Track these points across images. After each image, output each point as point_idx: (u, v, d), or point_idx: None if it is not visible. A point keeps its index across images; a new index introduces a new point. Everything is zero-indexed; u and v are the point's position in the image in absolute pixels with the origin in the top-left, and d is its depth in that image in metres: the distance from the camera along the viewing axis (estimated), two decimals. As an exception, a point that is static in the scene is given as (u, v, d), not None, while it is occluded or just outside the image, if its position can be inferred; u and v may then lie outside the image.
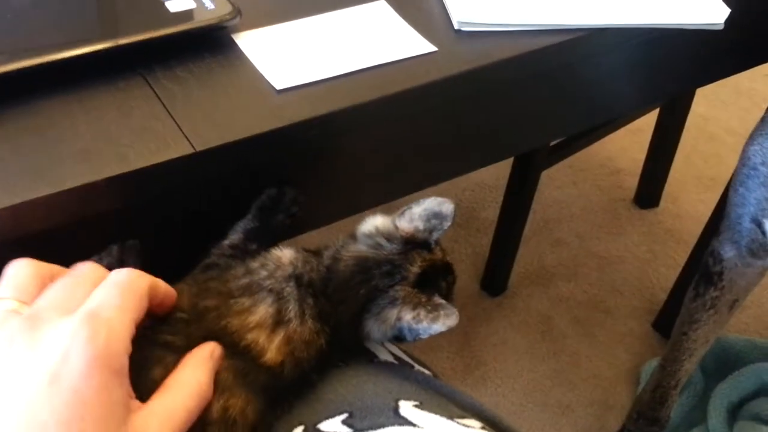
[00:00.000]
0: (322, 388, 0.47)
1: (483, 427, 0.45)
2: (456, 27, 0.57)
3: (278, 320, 0.44)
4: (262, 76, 0.50)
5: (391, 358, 0.52)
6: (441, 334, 0.45)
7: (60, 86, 0.47)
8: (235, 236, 0.49)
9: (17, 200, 0.40)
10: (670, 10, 0.61)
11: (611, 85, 0.69)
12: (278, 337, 0.43)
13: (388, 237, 0.48)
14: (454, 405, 0.48)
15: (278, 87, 0.49)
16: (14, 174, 0.42)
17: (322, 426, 0.44)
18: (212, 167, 0.46)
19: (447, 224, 0.49)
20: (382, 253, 0.47)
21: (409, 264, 0.47)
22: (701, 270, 0.96)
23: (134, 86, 0.48)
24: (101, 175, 0.42)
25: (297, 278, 0.46)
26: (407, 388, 0.47)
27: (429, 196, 0.50)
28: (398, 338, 0.47)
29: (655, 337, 1.42)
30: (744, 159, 0.81)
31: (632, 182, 1.69)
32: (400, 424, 0.43)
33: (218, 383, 0.40)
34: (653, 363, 1.18)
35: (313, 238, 0.56)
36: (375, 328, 0.46)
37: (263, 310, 0.44)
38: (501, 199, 1.38)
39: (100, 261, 0.44)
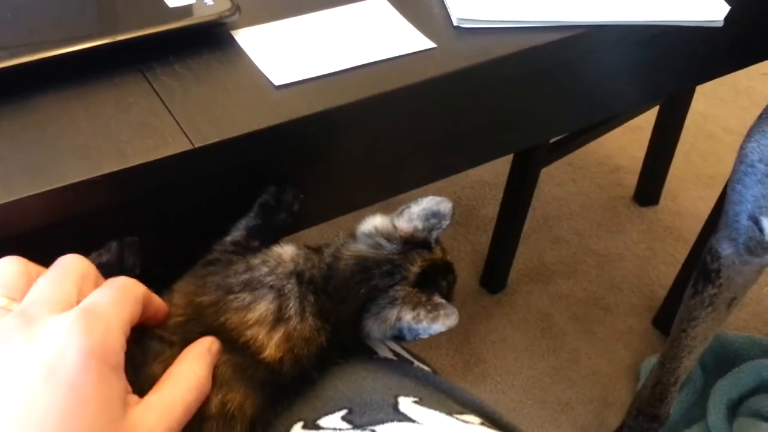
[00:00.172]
0: (321, 385, 0.47)
1: (482, 423, 0.45)
2: (455, 23, 0.56)
3: (278, 317, 0.44)
4: (261, 73, 0.50)
5: (390, 355, 0.52)
6: (441, 332, 0.45)
7: (59, 82, 0.47)
8: (237, 233, 0.49)
9: (16, 196, 0.40)
10: (670, 7, 0.61)
11: (610, 83, 0.69)
12: (278, 334, 0.43)
13: (388, 237, 0.48)
14: (453, 401, 0.48)
15: (277, 83, 0.49)
16: (13, 170, 0.42)
17: (321, 422, 0.44)
18: (210, 163, 0.46)
19: (446, 223, 0.49)
20: (381, 252, 0.47)
21: (409, 264, 0.47)
22: (699, 267, 0.96)
23: (133, 82, 0.48)
24: (100, 171, 0.42)
25: (298, 275, 0.46)
26: (407, 385, 0.47)
27: (428, 194, 0.50)
28: (398, 338, 0.47)
29: (654, 335, 1.42)
30: (741, 156, 0.81)
31: (632, 180, 1.69)
32: (400, 420, 0.43)
33: (216, 378, 0.40)
34: (653, 360, 1.18)
35: (312, 234, 0.56)
36: (375, 328, 0.46)
37: (264, 307, 0.44)
38: (500, 196, 1.38)
39: (99, 258, 0.44)
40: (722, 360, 1.27)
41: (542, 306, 1.47)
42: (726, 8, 0.61)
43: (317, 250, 0.49)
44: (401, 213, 0.49)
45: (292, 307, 0.44)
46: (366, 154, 0.57)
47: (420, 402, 0.45)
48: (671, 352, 1.06)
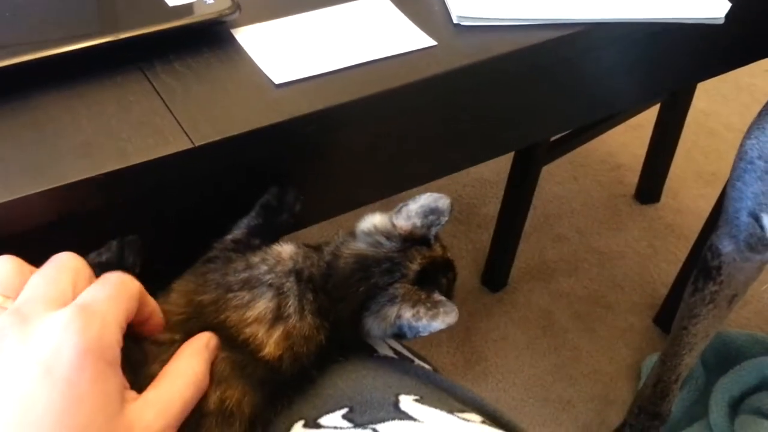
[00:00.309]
0: (321, 383, 0.47)
1: (483, 422, 0.45)
2: (455, 21, 0.56)
3: (277, 315, 0.44)
4: (261, 71, 0.50)
5: (390, 353, 0.52)
6: (441, 330, 0.45)
7: (60, 81, 0.47)
8: (238, 231, 0.49)
9: (17, 195, 0.40)
10: (671, 5, 0.61)
11: (611, 80, 0.69)
12: (277, 332, 0.43)
13: (387, 235, 0.48)
14: (454, 399, 0.48)
15: (277, 81, 0.49)
16: (14, 169, 0.42)
17: (322, 421, 0.44)
18: (211, 162, 0.46)
19: (444, 219, 0.49)
20: (381, 251, 0.47)
21: (409, 261, 0.47)
22: (700, 265, 0.96)
23: (133, 81, 0.48)
24: (101, 169, 0.42)
25: (297, 273, 0.46)
26: (407, 383, 0.47)
27: (428, 191, 0.50)
28: (398, 335, 0.47)
29: (655, 332, 1.42)
30: (741, 153, 0.81)
31: (633, 178, 1.69)
32: (401, 419, 0.43)
33: (215, 374, 0.40)
34: (654, 358, 1.18)
35: (312, 233, 0.56)
36: (375, 326, 0.46)
37: (263, 305, 0.44)
38: (501, 194, 1.38)
39: (99, 256, 0.44)
40: (724, 358, 1.27)
41: (543, 304, 1.47)
42: (727, 5, 0.61)
43: (317, 248, 0.49)
44: (399, 211, 0.49)
45: (291, 305, 0.44)
46: (366, 152, 0.57)
47: (421, 400, 0.45)
48: (672, 350, 1.06)
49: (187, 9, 0.52)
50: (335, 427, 0.43)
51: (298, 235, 0.52)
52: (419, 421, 0.43)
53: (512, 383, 1.34)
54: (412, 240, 0.48)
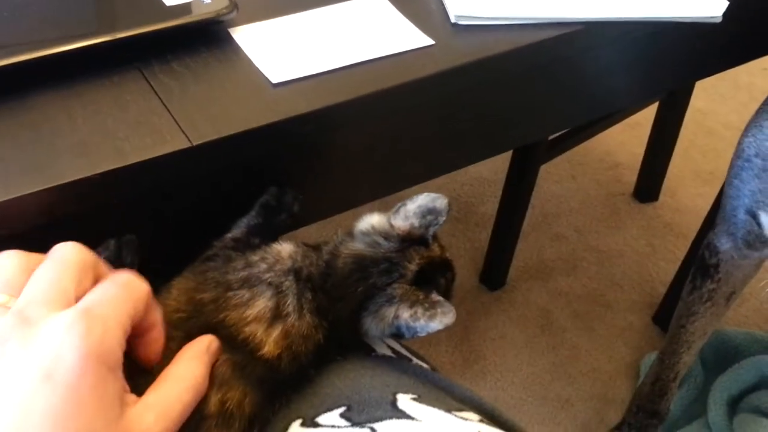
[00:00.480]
0: (319, 382, 0.47)
1: (481, 420, 0.45)
2: (453, 20, 0.56)
3: (276, 314, 0.44)
4: (259, 70, 0.50)
5: (388, 352, 0.52)
6: (439, 330, 0.45)
7: (57, 81, 0.47)
8: (238, 230, 0.49)
9: (14, 194, 0.40)
10: (669, 3, 0.61)
11: (609, 79, 0.69)
12: (276, 331, 0.43)
13: (385, 235, 0.48)
14: (452, 398, 0.48)
15: (274, 81, 0.49)
16: (11, 168, 0.42)
17: (320, 419, 0.44)
18: (208, 161, 0.46)
19: (442, 219, 0.49)
20: (379, 251, 0.47)
21: (407, 261, 0.47)
22: (698, 262, 0.96)
23: (131, 80, 0.48)
24: (98, 169, 0.42)
25: (296, 272, 0.46)
26: (405, 382, 0.47)
27: (427, 191, 0.50)
28: (396, 335, 0.47)
29: (654, 331, 1.42)
30: (738, 151, 0.81)
31: (631, 176, 1.69)
32: (398, 417, 0.43)
33: (216, 377, 0.40)
34: (652, 356, 1.18)
35: (310, 232, 0.56)
36: (373, 326, 0.46)
37: (262, 304, 0.44)
38: (500, 193, 1.38)
39: (96, 255, 0.44)
40: (722, 356, 1.27)
41: (542, 303, 1.47)
42: (725, 4, 0.61)
43: (316, 247, 0.49)
44: (397, 211, 0.49)
45: (290, 304, 0.44)
46: (364, 151, 0.57)
47: (419, 399, 0.45)
48: (670, 348, 1.06)
49: (184, 8, 0.52)
50: (333, 426, 0.43)
51: (296, 234, 0.52)
52: (417, 420, 0.43)
53: (511, 382, 1.34)
54: (410, 240, 0.48)
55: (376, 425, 0.43)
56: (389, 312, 0.46)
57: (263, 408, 0.43)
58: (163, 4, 0.52)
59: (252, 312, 0.44)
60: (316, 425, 0.44)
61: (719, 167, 1.70)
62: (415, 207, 0.49)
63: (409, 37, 0.55)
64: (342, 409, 0.45)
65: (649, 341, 1.40)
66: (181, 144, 0.44)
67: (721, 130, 1.86)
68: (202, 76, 0.49)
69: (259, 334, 0.43)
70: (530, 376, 1.35)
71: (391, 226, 0.48)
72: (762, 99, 0.81)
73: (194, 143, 0.44)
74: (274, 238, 0.49)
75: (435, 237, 0.50)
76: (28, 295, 0.35)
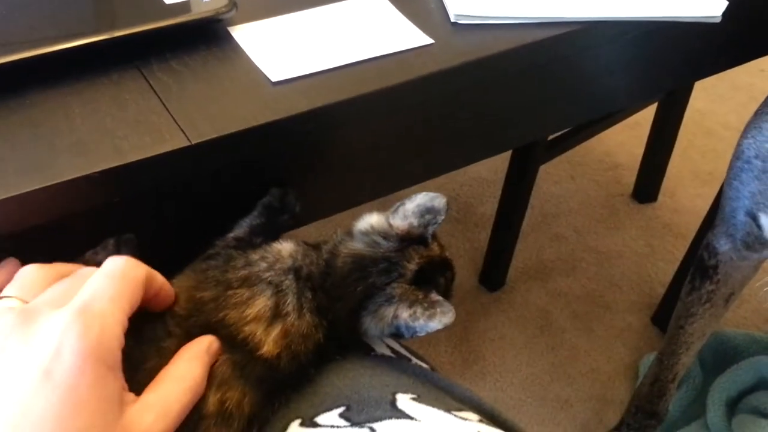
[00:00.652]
0: (319, 382, 0.47)
1: (480, 420, 0.45)
2: (453, 20, 0.56)
3: (276, 313, 0.44)
4: (258, 69, 0.50)
5: (388, 352, 0.52)
6: (438, 330, 0.45)
7: (55, 79, 0.47)
8: (240, 230, 0.49)
9: (13, 193, 0.40)
10: (668, 3, 0.61)
11: (608, 79, 0.69)
12: (275, 330, 0.43)
13: (384, 235, 0.48)
14: (451, 398, 0.48)
15: (274, 79, 0.49)
16: (9, 167, 0.42)
17: (319, 419, 0.44)
18: (207, 160, 0.46)
19: (441, 218, 0.49)
20: (378, 250, 0.47)
21: (406, 261, 0.47)
22: (697, 263, 0.96)
23: (130, 79, 0.48)
24: (97, 167, 0.42)
25: (296, 271, 0.46)
26: (404, 381, 0.47)
27: (426, 190, 0.50)
28: (396, 335, 0.47)
29: (653, 332, 1.42)
30: (738, 152, 0.81)
31: (630, 177, 1.69)
32: (398, 417, 0.43)
33: (216, 377, 0.40)
34: (651, 357, 1.18)
35: (310, 231, 0.55)
36: (372, 326, 0.46)
37: (262, 303, 0.44)
38: (499, 193, 1.38)
39: (95, 255, 0.44)
40: (721, 357, 1.27)
41: (541, 303, 1.47)
42: (724, 4, 0.61)
43: (316, 246, 0.49)
44: (396, 210, 0.49)
45: (290, 303, 0.44)
46: (363, 150, 0.57)
47: (418, 399, 0.45)
48: (669, 349, 1.06)
49: (183, 7, 0.52)
50: (332, 426, 0.43)
51: (295, 233, 0.52)
52: (416, 420, 0.43)
53: (510, 382, 1.34)
54: (410, 239, 0.48)
55: (375, 425, 0.42)
56: (388, 311, 0.46)
57: (262, 407, 0.43)
58: (163, 2, 0.52)
59: (252, 311, 0.43)
60: (316, 425, 0.44)
61: (718, 168, 1.70)
62: (413, 206, 0.49)
63: (409, 36, 0.54)
64: (341, 409, 0.44)
65: (648, 342, 1.40)
66: (180, 143, 0.44)
67: (720, 131, 1.86)
68: (201, 74, 0.49)
69: (258, 333, 0.43)
70: (529, 376, 1.35)
71: (390, 225, 0.48)
72: (761, 100, 0.81)
73: (193, 142, 0.44)
74: (276, 237, 0.49)
75: (434, 236, 0.50)
76: (39, 298, 0.35)
